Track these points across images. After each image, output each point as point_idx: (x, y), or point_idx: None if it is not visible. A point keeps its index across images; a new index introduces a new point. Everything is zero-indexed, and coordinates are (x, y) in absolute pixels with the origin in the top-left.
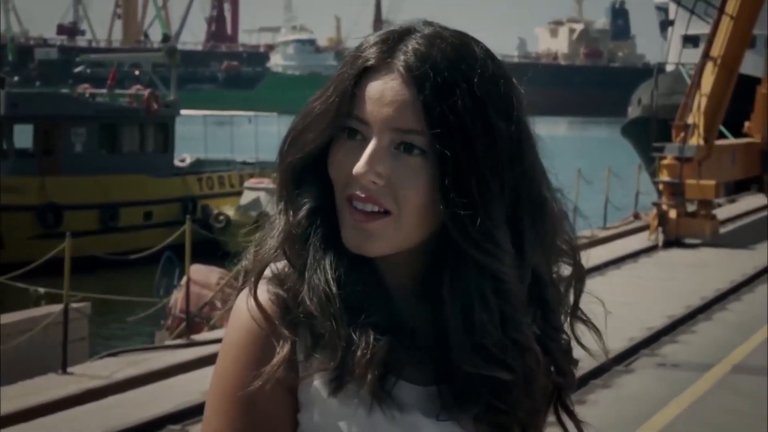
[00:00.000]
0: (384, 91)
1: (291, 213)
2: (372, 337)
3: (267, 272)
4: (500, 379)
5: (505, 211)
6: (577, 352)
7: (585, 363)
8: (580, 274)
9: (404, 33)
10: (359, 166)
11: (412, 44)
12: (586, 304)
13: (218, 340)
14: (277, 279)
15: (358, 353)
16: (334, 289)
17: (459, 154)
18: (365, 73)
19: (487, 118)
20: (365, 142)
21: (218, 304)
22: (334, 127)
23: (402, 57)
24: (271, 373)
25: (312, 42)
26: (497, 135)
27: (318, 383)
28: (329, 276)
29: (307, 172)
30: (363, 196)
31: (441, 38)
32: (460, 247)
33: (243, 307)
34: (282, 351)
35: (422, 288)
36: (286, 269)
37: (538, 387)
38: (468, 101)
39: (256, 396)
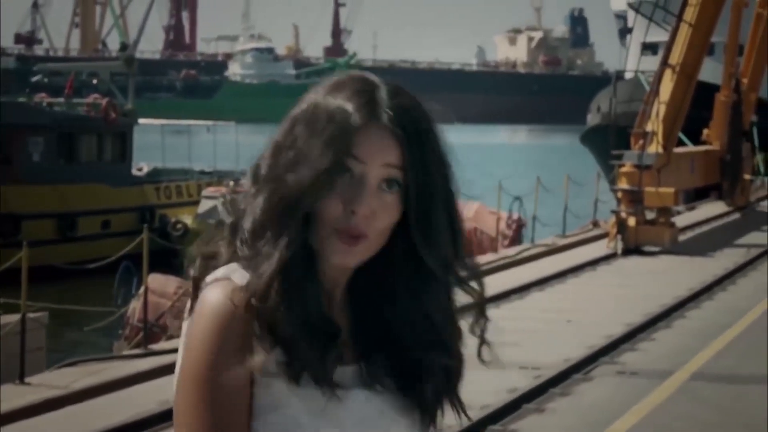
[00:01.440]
0: (380, 139)
1: (284, 245)
2: (321, 334)
3: (223, 271)
4: (446, 364)
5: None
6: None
7: (544, 371)
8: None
9: (373, 88)
10: (364, 207)
11: (388, 98)
12: (545, 312)
13: (175, 350)
14: (238, 283)
15: (310, 349)
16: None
17: (425, 184)
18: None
19: (443, 151)
20: (353, 180)
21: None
22: (335, 172)
23: (386, 111)
24: (238, 352)
25: (270, 50)
26: (448, 164)
27: (274, 369)
28: (309, 297)
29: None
30: (360, 228)
31: (401, 91)
32: (410, 255)
33: (212, 297)
34: (248, 330)
35: (348, 291)
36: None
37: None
38: (432, 142)
39: (226, 377)
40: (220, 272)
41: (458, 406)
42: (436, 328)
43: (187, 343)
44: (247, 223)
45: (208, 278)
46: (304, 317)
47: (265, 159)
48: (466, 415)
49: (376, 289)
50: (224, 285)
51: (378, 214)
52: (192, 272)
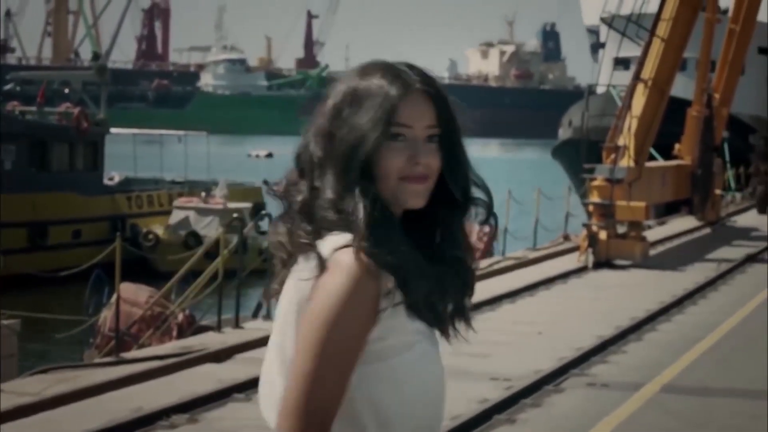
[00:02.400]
0: (418, 105)
1: (365, 200)
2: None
3: (342, 240)
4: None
5: None
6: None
7: (515, 382)
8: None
9: (395, 65)
10: (423, 157)
11: (421, 74)
12: (516, 324)
13: (149, 358)
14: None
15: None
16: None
17: (452, 137)
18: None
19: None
20: (406, 140)
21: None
22: (386, 135)
23: (416, 81)
24: (370, 302)
25: (242, 62)
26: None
27: (399, 311)
28: (404, 240)
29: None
30: (425, 172)
31: (414, 65)
32: (449, 196)
33: (346, 258)
34: (383, 285)
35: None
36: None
37: None
38: (449, 99)
39: (360, 324)
40: (330, 242)
41: (468, 321)
42: (460, 246)
43: (325, 299)
44: (328, 195)
45: (324, 250)
46: (408, 254)
47: (314, 147)
48: (472, 327)
49: (419, 225)
50: (347, 250)
51: (431, 162)
52: (279, 264)
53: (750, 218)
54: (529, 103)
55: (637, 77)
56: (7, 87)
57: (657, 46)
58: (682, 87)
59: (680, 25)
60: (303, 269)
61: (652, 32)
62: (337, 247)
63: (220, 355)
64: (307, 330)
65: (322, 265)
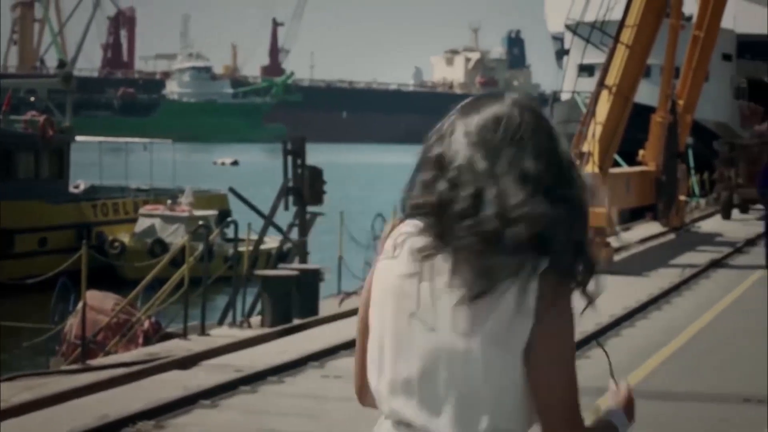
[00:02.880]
0: None
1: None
2: None
3: None
4: None
5: None
6: None
7: None
8: None
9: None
10: None
11: None
12: None
13: (115, 365)
14: None
15: None
16: None
17: None
18: None
19: None
20: None
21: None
22: None
23: None
24: None
25: (208, 70)
26: None
27: None
28: None
29: None
30: None
31: None
32: None
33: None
34: None
35: None
36: None
37: None
38: None
39: None
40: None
41: None
42: None
43: (570, 316)
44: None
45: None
46: None
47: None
48: None
49: None
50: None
51: None
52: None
53: (714, 224)
54: None
55: (601, 84)
56: None
57: (621, 53)
58: (647, 93)
59: (644, 31)
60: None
61: (617, 39)
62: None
63: (186, 362)
64: (566, 343)
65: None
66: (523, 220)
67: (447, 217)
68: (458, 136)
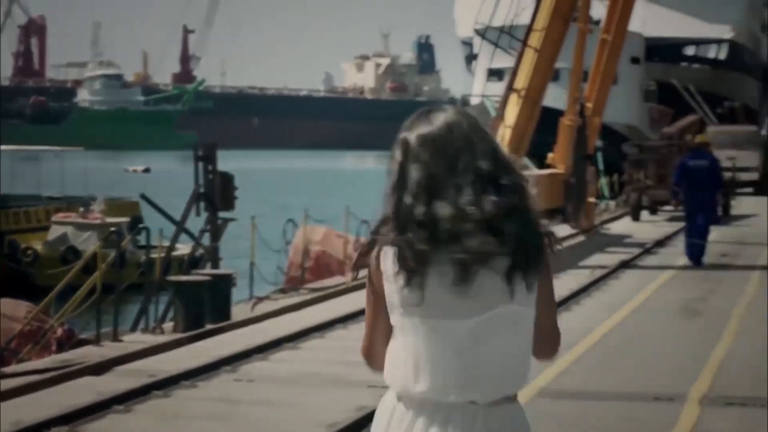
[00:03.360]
0: None
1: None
2: None
3: None
4: None
5: None
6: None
7: (369, 401)
8: None
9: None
10: None
11: None
12: None
13: (28, 372)
14: None
15: None
16: None
17: None
18: None
19: None
20: None
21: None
22: None
23: None
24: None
25: (119, 77)
26: None
27: None
28: None
29: None
30: None
31: None
32: None
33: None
34: None
35: None
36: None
37: None
38: None
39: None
40: None
41: None
42: None
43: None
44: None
45: None
46: None
47: None
48: None
49: None
50: None
51: None
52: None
53: (624, 225)
54: (405, 115)
55: (510, 87)
56: None
57: (530, 57)
58: (556, 97)
59: (552, 35)
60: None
61: (525, 43)
62: None
63: (99, 368)
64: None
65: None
66: (482, 211)
67: (423, 227)
68: (415, 147)
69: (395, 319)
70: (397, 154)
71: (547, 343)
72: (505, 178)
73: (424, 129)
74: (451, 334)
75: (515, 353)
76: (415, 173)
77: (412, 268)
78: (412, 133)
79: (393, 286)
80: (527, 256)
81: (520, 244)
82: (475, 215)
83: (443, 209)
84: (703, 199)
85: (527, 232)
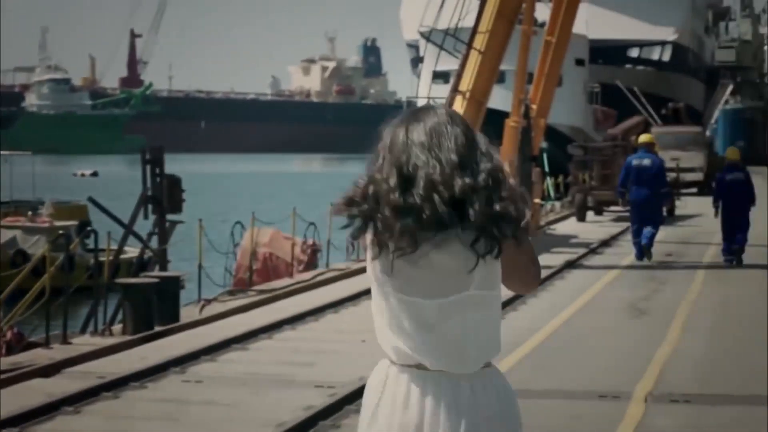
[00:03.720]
0: None
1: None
2: None
3: None
4: None
5: None
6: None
7: (339, 389)
8: None
9: None
10: None
11: None
12: (340, 333)
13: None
14: None
15: None
16: None
17: None
18: None
19: None
20: None
21: None
22: None
23: None
24: None
25: (67, 81)
26: None
27: None
28: None
29: None
30: None
31: None
32: None
33: None
34: None
35: None
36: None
37: None
38: None
39: None
40: None
41: None
42: None
43: None
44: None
45: None
46: None
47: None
48: None
49: None
50: None
51: None
52: None
53: (569, 226)
54: (351, 118)
55: (455, 89)
56: None
57: (474, 59)
58: (501, 99)
59: (496, 37)
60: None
61: (470, 45)
62: None
63: (49, 370)
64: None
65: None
66: (451, 191)
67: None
68: (412, 142)
69: (374, 290)
70: (386, 140)
71: (521, 286)
72: (479, 164)
73: (411, 121)
74: (421, 311)
75: (482, 328)
76: (397, 160)
77: (383, 240)
78: (401, 125)
79: (369, 256)
80: (491, 234)
81: (485, 220)
82: (443, 194)
83: (416, 189)
84: (648, 199)
85: (491, 210)
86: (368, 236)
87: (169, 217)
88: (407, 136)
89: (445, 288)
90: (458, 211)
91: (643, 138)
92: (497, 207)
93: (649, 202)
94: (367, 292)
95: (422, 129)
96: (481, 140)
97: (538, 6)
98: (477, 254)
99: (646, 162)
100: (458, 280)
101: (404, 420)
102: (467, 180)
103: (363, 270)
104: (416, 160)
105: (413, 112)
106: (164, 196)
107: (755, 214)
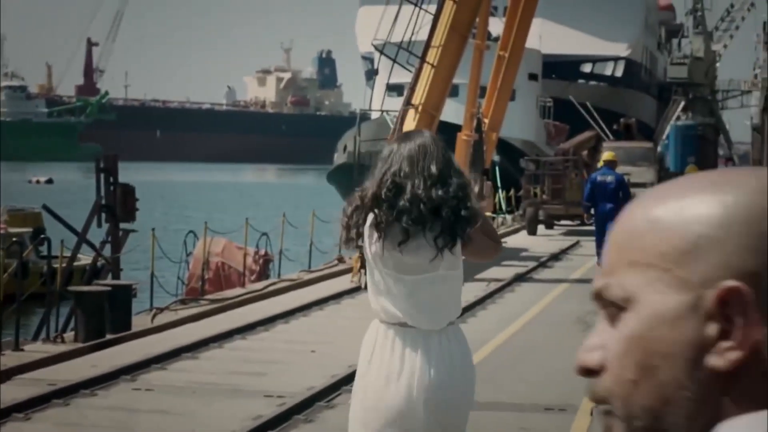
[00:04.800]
0: None
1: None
2: None
3: None
4: None
5: None
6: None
7: (289, 399)
8: None
9: None
10: None
11: None
12: (290, 343)
13: None
14: None
15: None
16: None
17: None
18: None
19: None
20: None
21: None
22: None
23: None
24: None
25: (23, 89)
26: None
27: None
28: None
29: None
30: None
31: None
32: None
33: None
34: None
35: None
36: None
37: None
38: None
39: None
40: None
41: None
42: None
43: None
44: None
45: None
46: None
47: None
48: None
49: None
50: None
51: None
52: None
53: (520, 239)
54: (306, 129)
55: (407, 102)
56: None
57: (427, 72)
58: (454, 112)
59: (449, 51)
60: None
61: (423, 59)
62: None
63: (0, 377)
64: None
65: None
66: (429, 199)
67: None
68: (400, 158)
69: (369, 267)
70: (385, 156)
71: (484, 259)
72: (451, 179)
73: (403, 143)
74: (402, 283)
75: (448, 297)
76: (392, 170)
77: (380, 230)
78: (397, 145)
79: (367, 241)
80: (453, 231)
81: (450, 223)
82: (424, 201)
83: (405, 196)
84: (611, 212)
85: (456, 216)
86: (366, 229)
87: (123, 225)
88: (399, 151)
89: (421, 268)
90: (434, 215)
91: (606, 156)
92: (463, 213)
93: (612, 216)
94: (316, 304)
95: (413, 145)
96: (454, 159)
97: (492, 20)
98: (438, 248)
99: (610, 178)
100: (431, 264)
101: (391, 365)
102: (440, 192)
103: (314, 281)
104: (406, 170)
105: (406, 134)
106: (118, 205)
107: None
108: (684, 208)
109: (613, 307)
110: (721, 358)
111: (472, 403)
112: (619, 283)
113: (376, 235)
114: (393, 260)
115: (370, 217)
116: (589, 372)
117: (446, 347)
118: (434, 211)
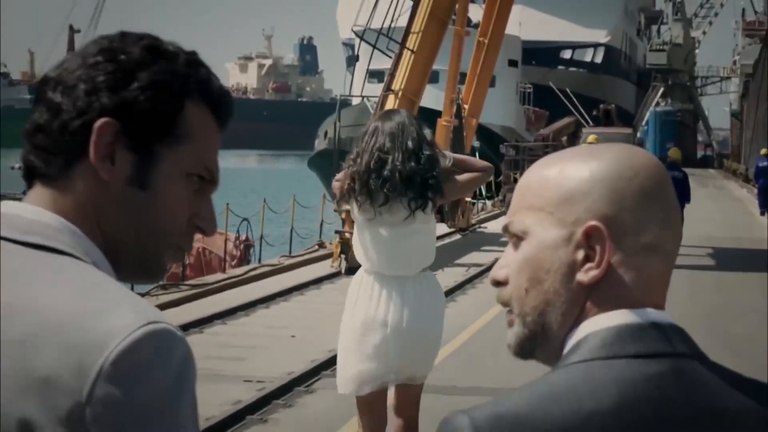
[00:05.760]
0: None
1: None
2: None
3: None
4: None
5: None
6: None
7: (268, 384)
8: None
9: None
10: None
11: None
12: (270, 329)
13: None
14: None
15: None
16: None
17: None
18: None
19: None
20: None
21: None
22: None
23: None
24: None
25: (6, 75)
26: None
27: None
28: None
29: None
30: None
31: None
32: None
33: None
34: None
35: None
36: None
37: None
38: None
39: None
40: None
41: None
42: None
43: None
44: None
45: None
46: None
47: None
48: None
49: None
50: None
51: None
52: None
53: (500, 225)
54: (287, 116)
55: (387, 88)
56: None
57: (407, 59)
58: (434, 98)
59: (429, 37)
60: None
61: (402, 45)
62: None
63: None
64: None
65: None
66: (405, 170)
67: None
68: (383, 134)
69: (356, 224)
70: (371, 132)
71: (473, 189)
72: (423, 153)
73: (385, 122)
74: (381, 235)
75: (420, 247)
76: (377, 145)
77: (366, 195)
78: (381, 123)
79: (354, 205)
80: (424, 195)
81: (420, 189)
82: (401, 172)
83: (387, 167)
84: None
85: (425, 183)
86: (356, 192)
87: None
88: (383, 128)
89: (397, 225)
90: (409, 182)
91: (590, 140)
92: (430, 181)
93: None
94: (296, 289)
95: (393, 124)
96: (428, 133)
97: (472, 7)
98: (411, 209)
99: None
100: (405, 221)
101: (369, 308)
102: (413, 164)
103: (294, 266)
104: (388, 145)
105: (387, 113)
106: None
107: (688, 211)
108: (564, 170)
109: (515, 238)
110: (585, 275)
111: (439, 340)
112: (520, 220)
113: (363, 197)
114: (376, 219)
115: (359, 183)
116: (498, 283)
117: (418, 291)
118: (408, 179)
